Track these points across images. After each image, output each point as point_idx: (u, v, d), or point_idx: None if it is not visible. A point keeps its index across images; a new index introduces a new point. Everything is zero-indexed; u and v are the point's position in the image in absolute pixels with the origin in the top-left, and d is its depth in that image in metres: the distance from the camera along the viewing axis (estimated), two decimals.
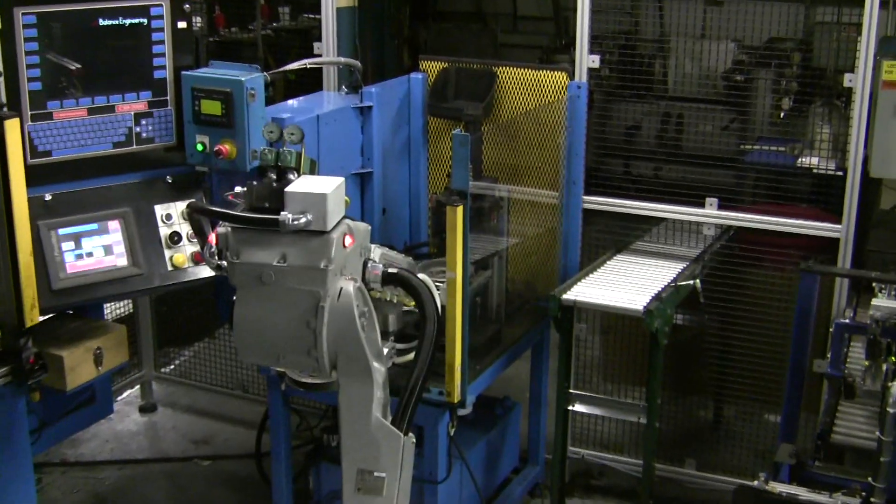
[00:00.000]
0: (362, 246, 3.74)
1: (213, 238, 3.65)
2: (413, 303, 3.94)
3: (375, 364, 3.67)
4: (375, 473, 3.72)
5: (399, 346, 4.35)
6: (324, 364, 3.58)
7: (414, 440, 3.84)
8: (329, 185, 3.54)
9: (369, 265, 3.78)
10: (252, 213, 3.60)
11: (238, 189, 3.75)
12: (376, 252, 3.86)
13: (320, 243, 3.50)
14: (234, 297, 3.63)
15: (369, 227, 3.78)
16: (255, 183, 3.64)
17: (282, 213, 3.46)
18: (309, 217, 3.47)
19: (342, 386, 3.70)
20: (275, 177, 3.66)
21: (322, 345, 3.54)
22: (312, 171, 3.81)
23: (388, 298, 4.70)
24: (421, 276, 3.91)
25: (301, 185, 3.59)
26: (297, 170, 3.69)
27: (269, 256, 3.51)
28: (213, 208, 3.81)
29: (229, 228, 3.59)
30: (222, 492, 6.27)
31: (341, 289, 3.54)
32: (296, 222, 3.45)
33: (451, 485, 5.27)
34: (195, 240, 5.03)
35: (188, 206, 4.17)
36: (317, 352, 3.56)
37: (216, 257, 3.67)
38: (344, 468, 3.78)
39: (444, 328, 4.48)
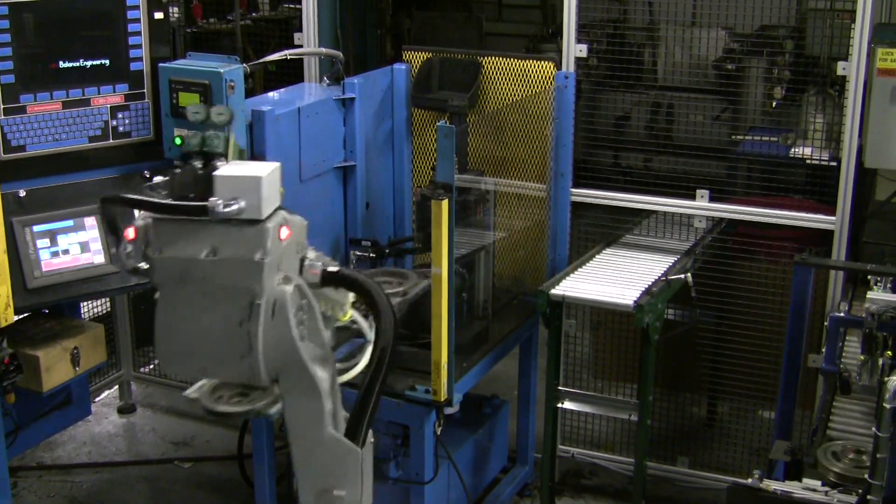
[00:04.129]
0: (298, 242, 3.35)
1: (130, 232, 3.25)
2: (346, 317, 3.61)
3: (319, 372, 3.28)
4: (335, 492, 3.38)
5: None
6: (259, 371, 3.17)
7: (372, 441, 3.46)
8: (263, 169, 3.19)
9: (306, 263, 3.37)
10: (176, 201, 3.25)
11: (158, 178, 3.50)
12: (312, 252, 3.46)
13: (255, 233, 3.13)
14: (156, 298, 3.25)
15: (305, 223, 3.38)
16: (177, 170, 3.40)
17: (210, 199, 3.10)
18: (241, 203, 3.10)
19: (287, 401, 3.31)
20: (200, 165, 3.42)
21: (258, 349, 3.14)
22: (241, 158, 3.58)
23: (323, 310, 3.86)
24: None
25: (232, 168, 3.24)
26: (226, 156, 3.43)
27: (196, 249, 3.13)
28: (132, 196, 3.30)
29: (150, 221, 3.21)
30: (204, 495, 6.21)
31: (277, 287, 3.17)
32: (227, 209, 3.08)
33: (439, 485, 5.23)
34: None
35: (101, 198, 3.61)
36: (251, 358, 3.16)
37: (132, 257, 3.30)
38: (300, 489, 3.44)
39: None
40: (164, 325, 3.22)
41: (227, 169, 3.20)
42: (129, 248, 3.25)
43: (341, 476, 3.37)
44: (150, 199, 3.21)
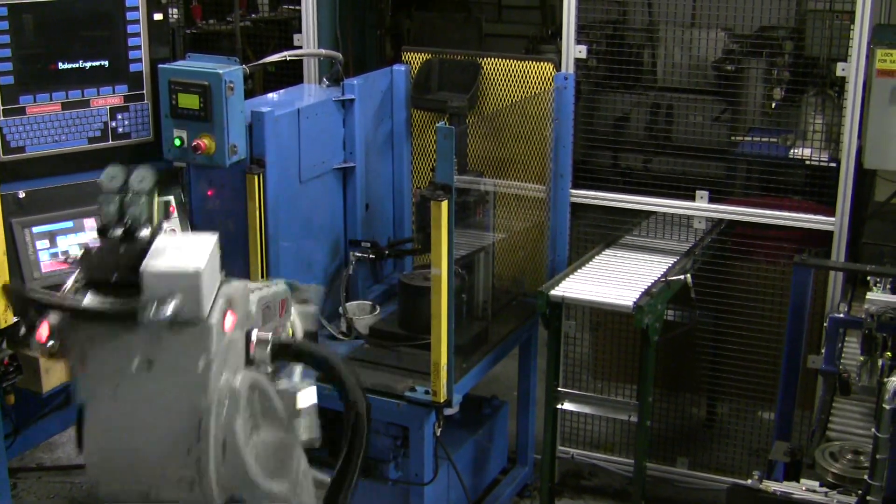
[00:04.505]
0: (243, 317, 2.68)
1: (42, 332, 2.50)
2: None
3: (276, 487, 2.70)
4: None
5: None
6: (212, 498, 2.56)
7: None
8: (200, 253, 2.50)
9: (253, 337, 2.71)
10: (96, 300, 2.50)
11: (73, 252, 3.09)
12: (255, 303, 2.83)
13: (195, 335, 2.49)
14: (82, 405, 2.58)
15: (247, 284, 2.76)
16: (93, 248, 2.61)
17: (142, 298, 2.43)
18: (176, 302, 2.43)
19: None
20: (120, 234, 2.62)
21: (210, 476, 2.52)
22: (166, 212, 3.05)
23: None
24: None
25: (162, 258, 2.49)
26: (151, 222, 2.68)
27: (125, 361, 2.49)
28: (39, 296, 2.57)
29: (66, 320, 2.53)
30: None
31: (225, 392, 2.53)
32: (160, 313, 2.42)
33: (438, 486, 5.22)
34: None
35: (3, 287, 3.13)
36: (202, 485, 2.54)
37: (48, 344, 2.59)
38: None
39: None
40: (95, 445, 2.58)
41: (158, 258, 2.49)
42: (46, 346, 2.54)
43: None
44: (63, 302, 2.52)
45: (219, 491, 2.53)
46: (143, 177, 2.62)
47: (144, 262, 2.46)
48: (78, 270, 2.54)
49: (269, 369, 2.78)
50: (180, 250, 2.51)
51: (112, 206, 2.59)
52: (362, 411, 2.83)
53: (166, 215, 2.79)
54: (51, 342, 2.49)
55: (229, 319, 2.54)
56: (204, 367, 2.49)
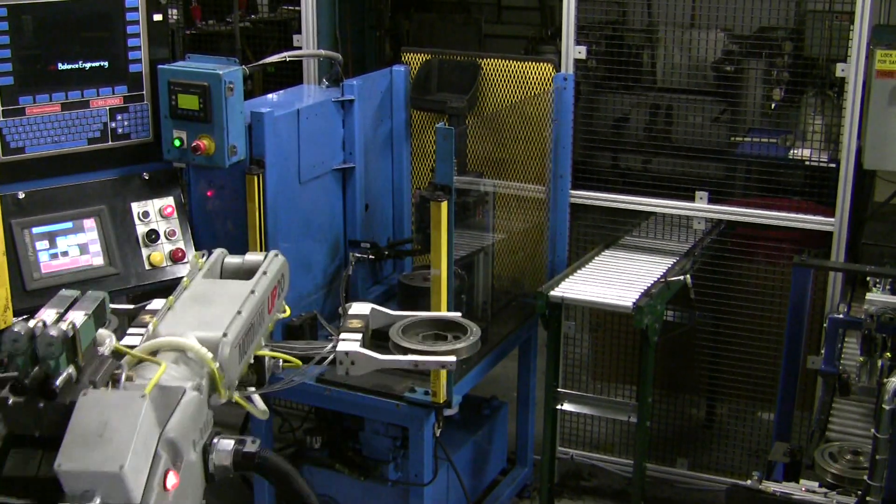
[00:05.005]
0: (197, 431, 2.42)
1: None
2: (287, 313, 3.10)
3: None
4: None
5: None
6: None
7: None
8: (123, 435, 2.17)
9: (212, 457, 2.48)
10: (19, 456, 2.31)
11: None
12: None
13: None
14: None
15: (204, 405, 2.48)
16: (10, 402, 2.31)
17: (63, 496, 2.14)
18: (100, 499, 2.13)
19: None
20: (37, 388, 2.30)
21: None
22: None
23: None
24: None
25: (81, 450, 2.15)
26: (69, 366, 2.35)
27: None
28: None
29: None
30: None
31: None
32: None
33: (438, 487, 5.22)
34: (173, 237, 4.93)
35: None
36: None
37: None
38: None
39: None
40: None
41: (75, 455, 2.15)
42: None
43: None
44: None
45: None
46: (49, 341, 2.28)
47: (58, 460, 2.15)
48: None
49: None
50: (101, 438, 2.19)
51: (22, 358, 2.28)
52: None
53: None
54: None
55: (171, 479, 2.27)
56: None
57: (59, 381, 2.26)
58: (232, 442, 2.50)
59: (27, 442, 2.28)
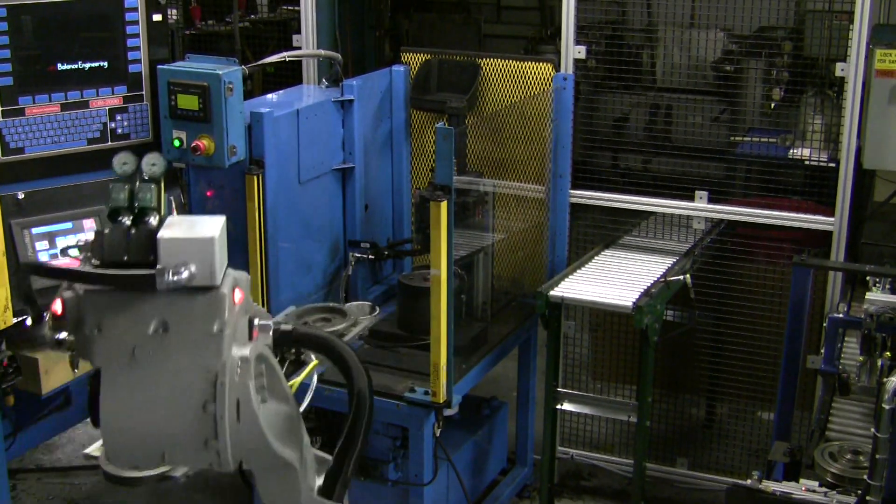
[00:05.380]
0: (247, 301, 2.95)
1: (57, 306, 2.72)
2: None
3: (288, 452, 2.90)
4: None
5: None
6: (227, 458, 2.74)
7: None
8: (212, 227, 2.73)
9: (256, 323, 2.92)
10: (114, 270, 2.69)
11: (83, 239, 3.07)
12: (256, 306, 3.05)
13: (209, 302, 2.66)
14: (98, 382, 2.76)
15: (248, 277, 2.96)
16: (105, 231, 2.75)
17: (157, 265, 2.63)
18: (192, 269, 2.61)
19: (257, 479, 2.94)
20: (129, 222, 2.77)
21: (225, 433, 2.71)
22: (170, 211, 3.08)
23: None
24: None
25: (176, 228, 2.73)
26: (158, 211, 2.83)
27: (142, 325, 2.64)
28: (60, 266, 2.76)
29: (81, 291, 2.67)
30: (202, 497, 6.19)
31: (236, 359, 2.72)
32: (175, 277, 2.61)
33: (438, 487, 5.21)
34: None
35: (21, 265, 3.20)
36: (218, 443, 2.72)
37: (57, 332, 2.74)
38: None
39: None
40: (112, 411, 2.71)
41: (172, 229, 2.68)
42: (50, 328, 2.72)
43: None
44: (84, 270, 2.67)
45: (232, 453, 2.67)
46: (153, 161, 2.75)
47: (161, 232, 2.61)
48: (89, 254, 2.66)
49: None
50: (193, 224, 2.68)
51: (122, 193, 2.71)
52: (364, 388, 2.93)
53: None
54: (63, 334, 2.64)
55: (238, 294, 2.70)
56: (218, 330, 2.63)
57: (150, 212, 2.69)
58: (271, 321, 2.85)
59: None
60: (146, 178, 2.76)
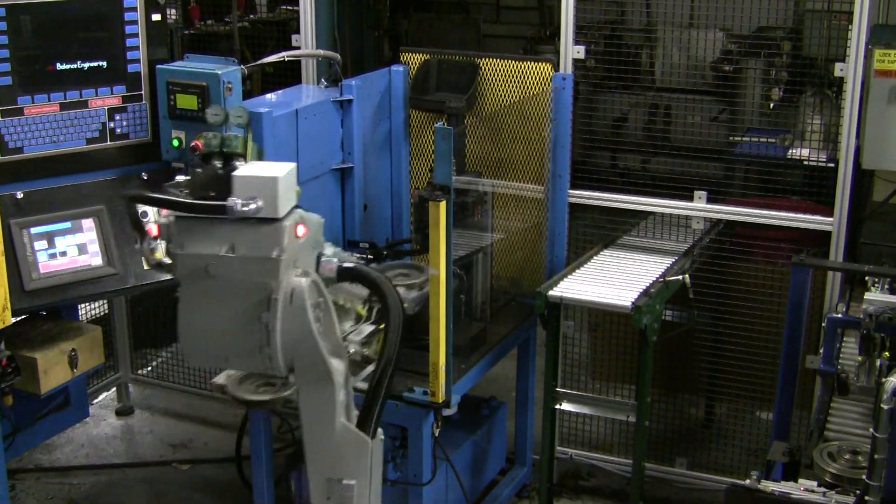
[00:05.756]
0: (315, 239, 3.56)
1: (153, 229, 3.57)
2: (363, 310, 3.85)
3: (334, 363, 3.49)
4: (344, 482, 3.55)
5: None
6: (278, 362, 3.40)
7: (382, 438, 3.67)
8: (280, 170, 3.37)
9: (323, 259, 3.59)
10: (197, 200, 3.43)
11: (180, 177, 3.63)
12: (329, 248, 3.65)
13: (271, 231, 3.32)
14: (178, 293, 3.45)
15: (322, 220, 3.60)
16: (198, 170, 3.46)
17: (229, 198, 3.29)
18: (259, 203, 3.29)
19: (301, 392, 3.51)
20: (220, 164, 3.45)
21: (276, 341, 3.36)
22: (260, 159, 3.67)
23: (341, 303, 4.35)
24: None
25: (250, 169, 3.41)
26: (244, 156, 3.50)
27: (215, 246, 3.33)
28: (155, 195, 3.53)
29: (172, 218, 3.43)
30: (201, 497, 6.18)
31: (294, 281, 3.35)
32: (244, 208, 3.27)
33: (437, 487, 5.21)
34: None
35: (127, 195, 4.00)
36: (270, 349, 3.38)
37: (157, 252, 3.61)
38: (311, 477, 3.61)
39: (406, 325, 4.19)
40: (187, 317, 3.43)
41: (246, 169, 3.37)
42: (154, 243, 3.57)
43: (352, 465, 3.53)
44: (172, 198, 3.40)
45: (283, 359, 3.37)
46: (239, 113, 3.63)
47: (236, 171, 3.33)
48: (184, 188, 3.46)
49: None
50: (265, 167, 3.40)
51: (215, 139, 3.43)
52: (395, 340, 3.57)
53: (259, 159, 3.66)
54: (160, 253, 3.56)
55: (301, 229, 3.37)
56: (276, 255, 3.28)
57: (236, 156, 3.43)
58: (335, 258, 3.60)
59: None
60: (233, 125, 3.64)
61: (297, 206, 3.44)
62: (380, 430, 3.63)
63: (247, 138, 3.52)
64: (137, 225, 3.84)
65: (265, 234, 3.31)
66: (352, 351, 3.92)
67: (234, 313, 3.35)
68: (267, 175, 3.30)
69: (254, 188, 3.29)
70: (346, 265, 3.61)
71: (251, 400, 3.73)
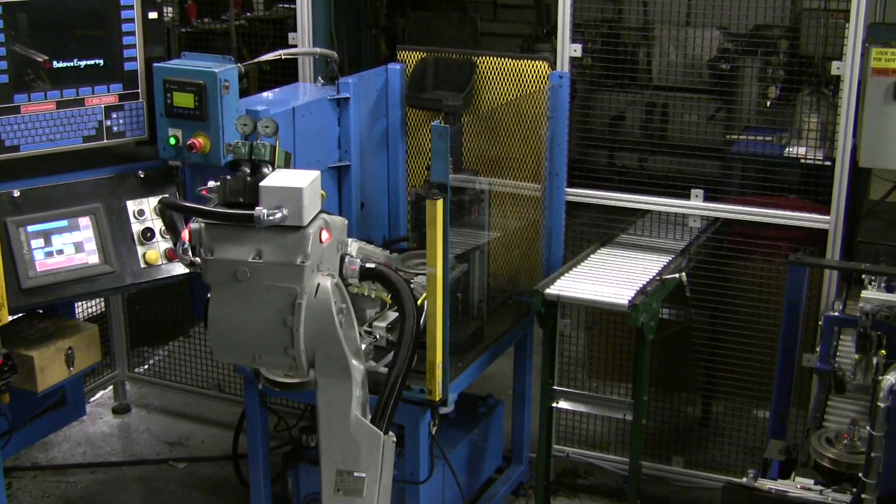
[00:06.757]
0: (339, 241, 3.72)
1: (185, 234, 3.66)
2: (388, 297, 4.03)
3: (354, 362, 3.65)
4: (355, 474, 3.72)
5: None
6: (301, 363, 3.57)
7: (395, 439, 3.84)
8: (305, 179, 3.52)
9: (346, 260, 3.78)
10: (226, 209, 3.56)
11: (211, 184, 3.71)
12: (353, 246, 3.91)
13: (296, 238, 3.48)
14: (209, 296, 3.61)
15: (346, 222, 3.77)
16: (228, 177, 3.59)
17: (256, 207, 3.44)
18: (284, 212, 3.44)
19: (320, 385, 3.69)
20: (249, 171, 3.60)
21: (299, 343, 3.53)
22: (287, 165, 3.79)
23: (366, 293, 4.68)
24: (399, 272, 3.97)
25: (276, 178, 3.54)
26: (272, 163, 3.64)
27: (243, 253, 3.50)
28: (186, 204, 3.79)
29: (202, 224, 3.56)
30: (198, 495, 6.18)
31: (318, 285, 3.53)
32: (271, 217, 3.42)
33: (434, 485, 5.21)
34: (168, 236, 4.97)
35: (160, 201, 4.16)
36: (294, 350, 3.55)
37: (189, 254, 3.70)
38: (323, 469, 3.77)
39: (422, 323, 4.50)
40: (217, 318, 3.60)
41: (272, 179, 3.52)
42: (186, 245, 3.69)
43: (363, 458, 3.73)
44: (202, 208, 3.56)
45: (306, 359, 3.57)
46: (266, 124, 3.65)
47: (263, 181, 3.48)
48: (214, 195, 3.59)
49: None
50: (291, 176, 3.55)
51: (244, 148, 3.58)
52: (409, 343, 3.78)
53: (286, 163, 3.80)
54: (191, 254, 3.68)
55: (325, 234, 3.55)
56: (301, 261, 3.46)
57: (264, 164, 3.60)
58: (359, 259, 3.81)
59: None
60: (261, 136, 3.65)
61: (322, 211, 3.61)
62: (391, 433, 3.79)
63: (275, 146, 3.66)
64: (172, 228, 4.14)
65: (291, 242, 3.48)
66: (378, 337, 4.48)
67: (261, 316, 3.55)
68: (292, 185, 3.46)
69: (279, 198, 3.45)
70: (368, 265, 3.82)
71: (285, 383, 3.92)
